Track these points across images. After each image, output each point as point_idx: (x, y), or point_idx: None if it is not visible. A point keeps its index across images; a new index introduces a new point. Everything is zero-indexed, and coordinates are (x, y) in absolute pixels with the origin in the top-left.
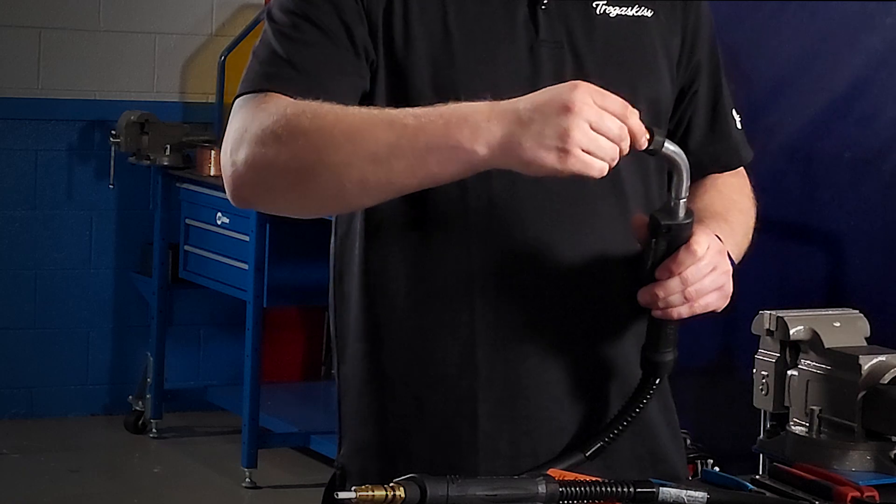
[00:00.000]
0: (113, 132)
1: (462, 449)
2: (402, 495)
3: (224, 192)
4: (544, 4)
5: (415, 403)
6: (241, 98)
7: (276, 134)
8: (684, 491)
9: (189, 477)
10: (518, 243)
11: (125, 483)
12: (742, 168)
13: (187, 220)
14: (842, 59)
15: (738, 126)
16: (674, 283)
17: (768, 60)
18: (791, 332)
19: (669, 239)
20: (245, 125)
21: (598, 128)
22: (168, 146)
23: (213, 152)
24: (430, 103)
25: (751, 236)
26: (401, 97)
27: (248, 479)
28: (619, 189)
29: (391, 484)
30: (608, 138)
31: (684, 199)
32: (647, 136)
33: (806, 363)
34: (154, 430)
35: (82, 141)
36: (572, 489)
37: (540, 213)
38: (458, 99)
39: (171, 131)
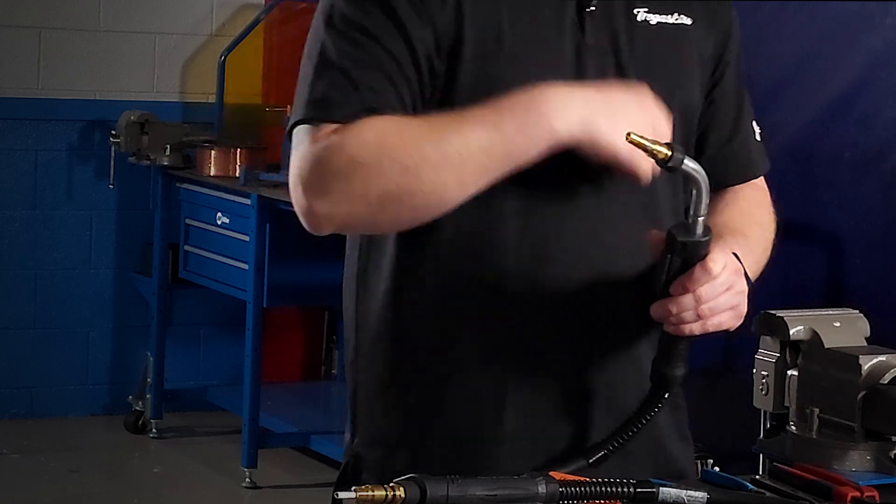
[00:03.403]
0: (113, 132)
1: (485, 445)
2: (402, 495)
3: (224, 191)
4: (591, 8)
5: (437, 399)
6: (307, 125)
7: (362, 164)
8: (684, 491)
9: (189, 477)
10: (549, 249)
11: (125, 483)
12: (762, 181)
13: (187, 220)
14: (842, 59)
15: (758, 137)
16: (687, 300)
17: (768, 60)
18: (791, 332)
19: (686, 255)
20: (319, 156)
21: (655, 131)
22: (168, 146)
23: (213, 152)
24: (474, 99)
25: (770, 250)
26: (445, 90)
27: (248, 479)
28: (653, 215)
29: (391, 484)
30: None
31: (703, 217)
32: (668, 153)
33: (806, 363)
34: (154, 430)
35: (82, 141)
36: (572, 489)
37: (570, 223)
38: (500, 96)
39: (171, 131)
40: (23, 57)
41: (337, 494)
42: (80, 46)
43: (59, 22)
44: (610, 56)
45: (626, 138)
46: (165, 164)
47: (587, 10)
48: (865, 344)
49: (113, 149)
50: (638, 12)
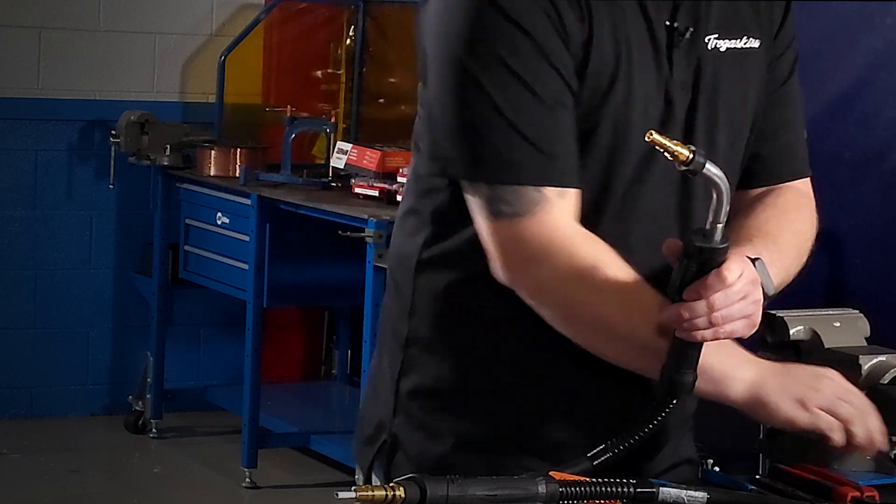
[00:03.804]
0: (113, 132)
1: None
2: (402, 495)
3: (224, 191)
4: (679, 43)
5: (489, 407)
6: (496, 186)
7: (556, 290)
8: (684, 491)
9: (189, 477)
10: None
11: (125, 483)
12: (808, 186)
13: (187, 220)
14: (842, 59)
15: (805, 142)
16: (700, 306)
17: None
18: (791, 332)
19: (702, 262)
20: (539, 246)
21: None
22: (168, 146)
23: (213, 152)
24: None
25: (805, 257)
26: None
27: (248, 479)
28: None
29: (391, 484)
30: None
31: (722, 224)
32: (689, 155)
33: (806, 363)
34: (154, 430)
35: (82, 141)
36: (572, 489)
37: (619, 227)
38: (595, 130)
39: (171, 131)
40: (23, 57)
41: (337, 494)
42: (80, 46)
43: (59, 22)
44: (689, 90)
45: (646, 137)
46: (165, 164)
47: (675, 46)
48: (865, 344)
49: (113, 149)
50: (709, 40)
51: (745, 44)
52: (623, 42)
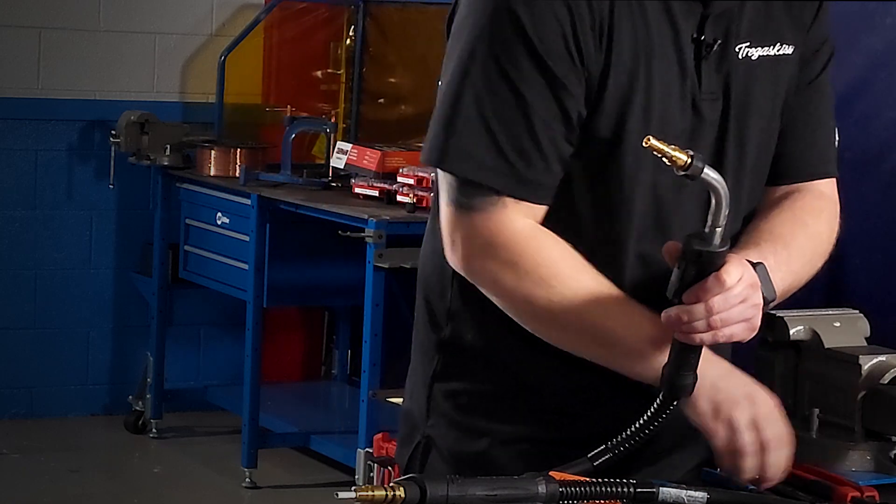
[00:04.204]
0: (113, 132)
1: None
2: (402, 495)
3: (224, 191)
4: (706, 55)
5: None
6: (470, 185)
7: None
8: (684, 491)
9: (189, 477)
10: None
11: (125, 483)
12: (832, 190)
13: (187, 220)
14: (842, 59)
15: (834, 144)
16: (698, 310)
17: None
18: (791, 332)
19: (700, 265)
20: (485, 240)
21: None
22: (168, 146)
23: (213, 152)
24: (604, 143)
25: (819, 262)
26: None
27: (248, 479)
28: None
29: (391, 484)
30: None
31: (721, 228)
32: (687, 160)
33: (806, 363)
34: (154, 430)
35: (82, 141)
36: (572, 489)
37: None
38: (621, 145)
39: (171, 131)
40: (23, 57)
41: (337, 494)
42: (80, 46)
43: (59, 22)
44: (719, 101)
45: (644, 143)
46: (165, 164)
47: (703, 57)
48: (865, 344)
49: (113, 149)
50: (740, 49)
51: (777, 51)
52: (643, 57)
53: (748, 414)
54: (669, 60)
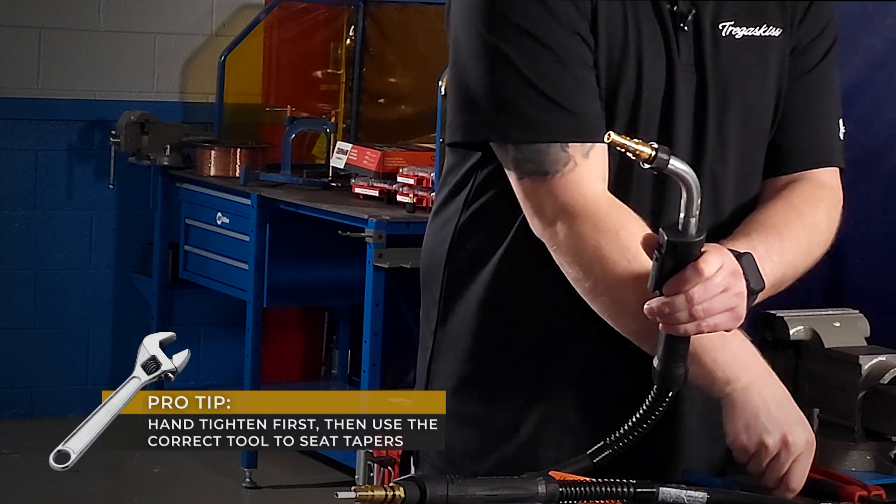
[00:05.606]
0: (113, 132)
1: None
2: (402, 495)
3: (224, 191)
4: (684, 26)
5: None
6: (530, 147)
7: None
8: (684, 491)
9: (189, 477)
10: None
11: (125, 483)
12: (835, 180)
13: (187, 220)
14: (842, 59)
15: (841, 136)
16: (679, 301)
17: None
18: (791, 332)
19: (677, 256)
20: (567, 203)
21: None
22: (168, 146)
23: (213, 152)
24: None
25: (816, 253)
26: None
27: (248, 479)
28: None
29: (391, 484)
30: None
31: (695, 218)
32: (650, 153)
33: (806, 363)
34: None
35: (82, 141)
36: (572, 489)
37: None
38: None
39: (171, 131)
40: (23, 57)
41: (337, 494)
42: (80, 46)
43: (59, 22)
44: (694, 73)
45: (605, 139)
46: (165, 164)
47: (681, 28)
48: (865, 344)
49: (113, 149)
50: (724, 27)
51: (763, 31)
52: (632, 24)
53: (779, 437)
54: (653, 29)
